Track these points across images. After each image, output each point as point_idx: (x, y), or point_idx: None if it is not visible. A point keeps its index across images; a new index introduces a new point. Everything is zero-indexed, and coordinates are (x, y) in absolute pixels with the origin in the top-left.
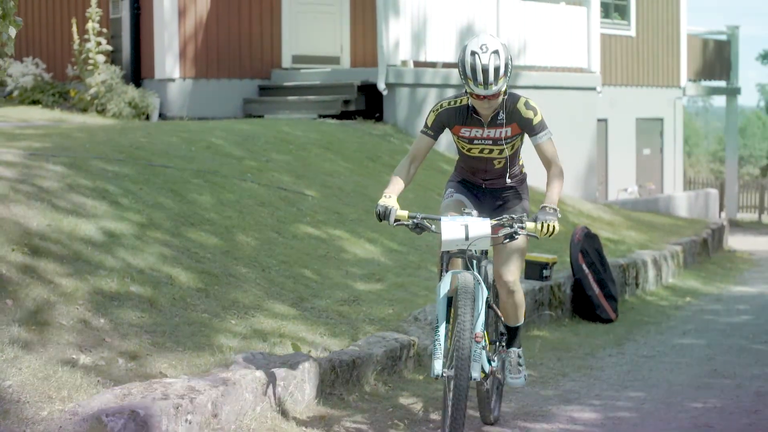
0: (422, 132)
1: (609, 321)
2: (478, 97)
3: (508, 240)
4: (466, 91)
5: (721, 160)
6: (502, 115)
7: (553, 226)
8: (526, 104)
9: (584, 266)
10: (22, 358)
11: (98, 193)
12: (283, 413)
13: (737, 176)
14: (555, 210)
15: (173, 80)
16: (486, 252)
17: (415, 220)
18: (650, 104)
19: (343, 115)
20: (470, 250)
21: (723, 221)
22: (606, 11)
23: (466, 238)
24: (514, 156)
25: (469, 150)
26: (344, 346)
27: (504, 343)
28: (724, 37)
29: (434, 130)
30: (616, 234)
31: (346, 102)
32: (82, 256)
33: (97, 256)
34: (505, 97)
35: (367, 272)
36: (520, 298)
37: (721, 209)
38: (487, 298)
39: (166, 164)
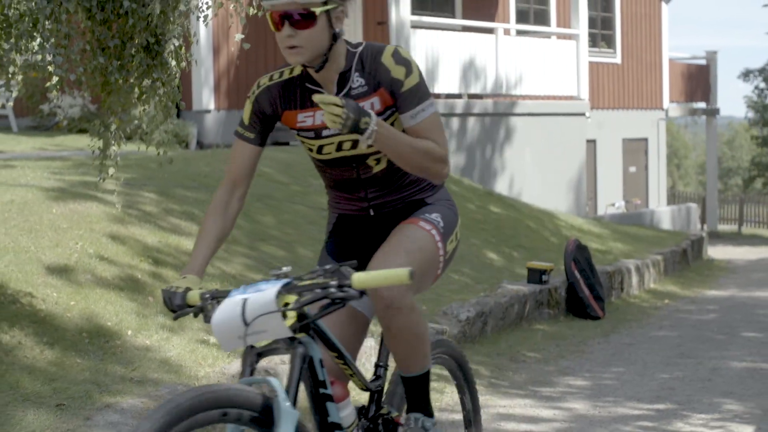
0: (237, 134)
1: (597, 318)
2: (273, 24)
3: (329, 310)
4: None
5: None
6: (358, 79)
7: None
8: (396, 54)
9: (576, 273)
10: (172, 339)
11: (187, 215)
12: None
13: (717, 191)
14: (370, 116)
15: (209, 111)
16: (310, 326)
17: (201, 303)
18: (635, 125)
19: None
20: (254, 344)
21: (703, 233)
22: (594, 40)
23: (245, 323)
24: None
25: (320, 151)
26: None
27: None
28: (703, 62)
29: (253, 129)
30: (604, 245)
31: None
32: None
33: None
34: (360, 48)
35: None
36: (412, 321)
37: (703, 222)
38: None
39: None
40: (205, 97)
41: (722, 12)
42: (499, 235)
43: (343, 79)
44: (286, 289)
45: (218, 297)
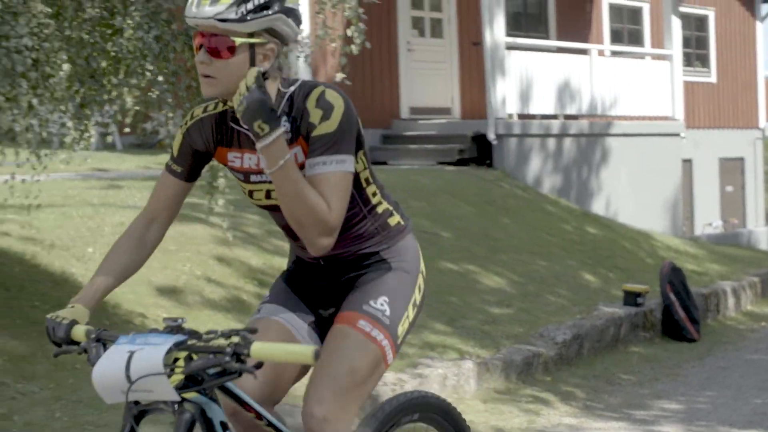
0: (166, 167)
1: (693, 341)
2: (195, 39)
3: (222, 380)
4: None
5: None
6: (285, 124)
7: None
8: (321, 96)
9: (672, 295)
10: None
11: None
12: (458, 399)
13: None
14: (275, 129)
15: None
16: (206, 390)
17: (84, 343)
18: (732, 145)
19: (458, 162)
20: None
21: None
22: (688, 60)
23: (129, 380)
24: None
25: (251, 195)
26: (491, 354)
27: None
28: None
29: (182, 162)
30: (701, 266)
31: (461, 151)
32: None
33: None
34: (292, 88)
35: (498, 299)
36: None
37: None
38: None
39: None
40: None
41: None
42: (596, 256)
43: None
44: (179, 347)
45: (104, 340)
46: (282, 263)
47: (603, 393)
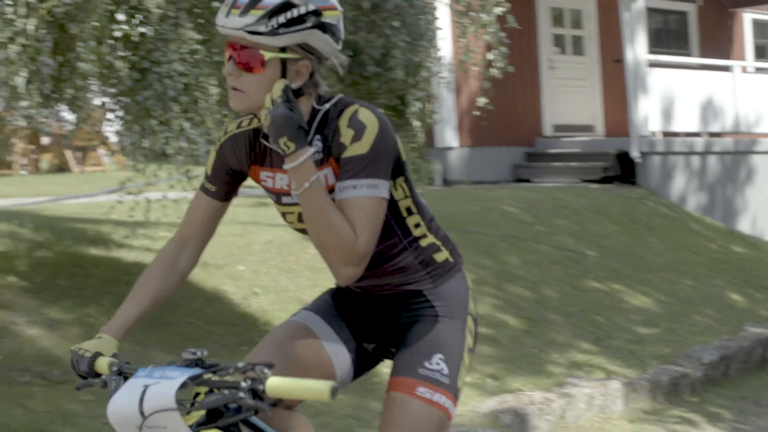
0: (200, 187)
1: None
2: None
3: (238, 416)
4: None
5: None
6: (317, 143)
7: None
8: (354, 115)
9: None
10: None
11: None
12: (605, 419)
13: None
14: (302, 149)
15: (452, 149)
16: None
17: (105, 377)
18: None
19: (602, 180)
20: None
21: None
22: None
23: (142, 415)
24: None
25: (285, 217)
26: (638, 374)
27: None
28: None
29: (216, 180)
30: None
31: (605, 168)
32: None
33: None
34: (327, 105)
35: (644, 319)
36: None
37: None
38: None
39: (478, 231)
40: (449, 136)
41: None
42: (742, 275)
43: None
44: (193, 381)
45: (125, 373)
46: None
47: (751, 415)
